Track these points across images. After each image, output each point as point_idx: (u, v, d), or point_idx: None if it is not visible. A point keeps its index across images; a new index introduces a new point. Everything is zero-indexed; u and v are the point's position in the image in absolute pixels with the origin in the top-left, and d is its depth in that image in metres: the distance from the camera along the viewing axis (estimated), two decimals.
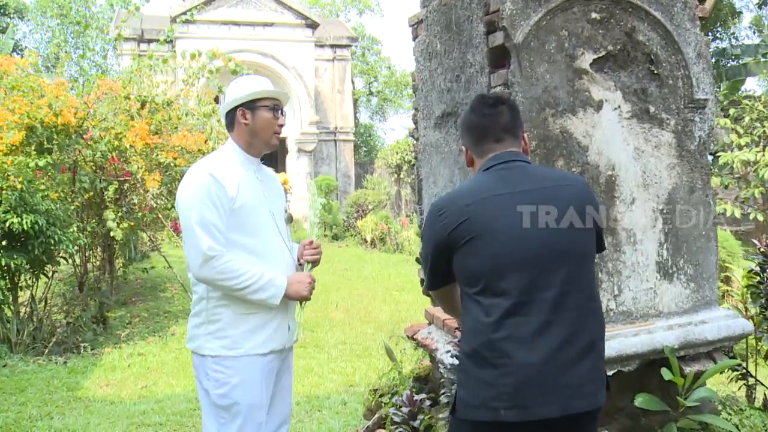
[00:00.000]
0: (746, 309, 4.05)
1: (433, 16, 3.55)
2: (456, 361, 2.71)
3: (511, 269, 1.91)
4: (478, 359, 1.92)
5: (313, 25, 21.02)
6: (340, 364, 6.50)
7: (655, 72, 3.07)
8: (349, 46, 24.49)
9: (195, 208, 2.47)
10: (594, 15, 2.95)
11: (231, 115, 2.67)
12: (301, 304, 2.74)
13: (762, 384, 3.55)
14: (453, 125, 3.41)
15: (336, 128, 24.07)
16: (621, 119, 3.01)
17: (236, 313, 2.54)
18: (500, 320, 1.89)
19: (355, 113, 30.13)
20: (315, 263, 2.84)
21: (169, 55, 9.32)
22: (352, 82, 27.29)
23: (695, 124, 3.18)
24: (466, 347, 1.99)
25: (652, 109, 3.07)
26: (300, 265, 2.82)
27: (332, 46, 23.28)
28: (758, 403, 3.84)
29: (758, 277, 3.87)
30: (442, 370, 3.03)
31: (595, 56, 2.95)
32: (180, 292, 10.07)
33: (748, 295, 4.04)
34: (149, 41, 18.56)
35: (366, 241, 18.49)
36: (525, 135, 2.18)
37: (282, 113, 2.72)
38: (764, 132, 11.62)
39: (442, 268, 2.07)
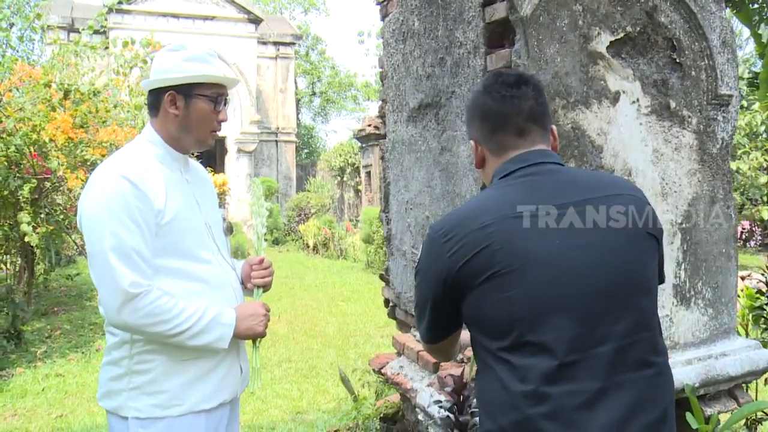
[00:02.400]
0: (747, 333, 3.64)
1: None
2: (446, 414, 2.15)
3: (555, 316, 1.34)
4: None
5: (256, 21, 20.25)
6: (285, 386, 5.86)
7: (677, 61, 2.60)
8: (293, 44, 23.81)
9: (108, 228, 1.78)
10: None
11: (157, 95, 1.97)
12: (255, 342, 2.12)
13: None
14: (433, 118, 2.85)
15: (277, 129, 23.36)
16: (639, 115, 2.52)
17: (173, 360, 1.89)
18: (540, 389, 1.32)
19: (297, 114, 29.40)
20: (266, 287, 2.23)
21: (100, 43, 8.48)
22: (295, 82, 26.55)
23: (718, 124, 2.72)
24: (489, 424, 1.40)
25: (673, 104, 2.59)
26: (246, 289, 2.21)
27: (275, 43, 22.55)
28: None
29: (764, 299, 3.47)
30: (422, 418, 2.47)
31: (613, 38, 2.45)
32: None
33: (750, 317, 3.64)
34: (80, 31, 17.43)
35: (308, 247, 17.83)
36: (554, 128, 1.63)
37: (225, 104, 2.05)
38: None
39: (449, 315, 1.51)
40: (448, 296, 1.47)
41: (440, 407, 2.15)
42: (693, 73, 2.64)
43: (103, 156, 7.09)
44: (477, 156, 1.63)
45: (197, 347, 1.89)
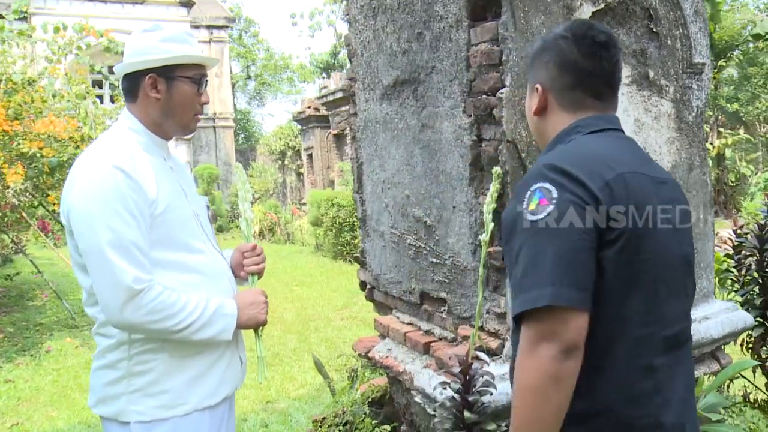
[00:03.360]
0: (714, 295, 3.74)
1: None
2: (451, 395, 2.12)
3: (666, 287, 1.31)
4: (615, 424, 1.27)
5: (187, 4, 19.65)
6: (251, 376, 5.69)
7: (654, 30, 2.61)
8: (227, 27, 23.26)
9: (103, 222, 1.66)
10: None
11: (134, 80, 1.85)
12: (257, 332, 2.05)
13: (754, 385, 3.24)
14: (411, 95, 2.79)
15: (215, 114, 22.83)
16: (621, 85, 2.52)
17: (174, 358, 1.79)
18: (653, 365, 1.28)
19: (233, 98, 28.81)
20: (260, 274, 2.15)
21: (28, 29, 8.03)
22: (230, 66, 25.97)
23: (693, 92, 2.75)
24: (586, 403, 1.25)
25: (651, 74, 2.60)
26: (238, 277, 2.12)
27: (209, 27, 21.98)
28: (733, 392, 3.56)
29: (733, 262, 3.57)
30: (420, 401, 2.43)
31: (594, 8, 2.43)
32: (52, 299, 8.83)
33: (716, 281, 3.74)
34: (4, 16, 16.49)
35: (254, 232, 17.55)
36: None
37: (205, 85, 1.96)
38: None
39: (591, 264, 1.22)
40: (593, 234, 1.22)
41: (445, 388, 2.11)
42: (669, 42, 2.66)
43: (41, 148, 6.75)
44: (539, 102, 1.48)
45: (201, 341, 1.80)
